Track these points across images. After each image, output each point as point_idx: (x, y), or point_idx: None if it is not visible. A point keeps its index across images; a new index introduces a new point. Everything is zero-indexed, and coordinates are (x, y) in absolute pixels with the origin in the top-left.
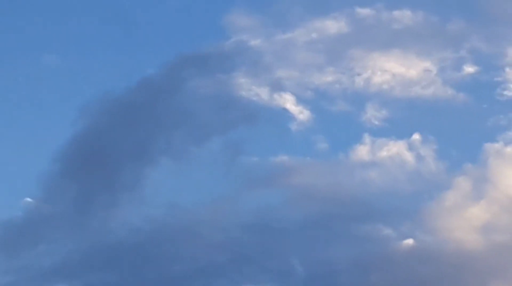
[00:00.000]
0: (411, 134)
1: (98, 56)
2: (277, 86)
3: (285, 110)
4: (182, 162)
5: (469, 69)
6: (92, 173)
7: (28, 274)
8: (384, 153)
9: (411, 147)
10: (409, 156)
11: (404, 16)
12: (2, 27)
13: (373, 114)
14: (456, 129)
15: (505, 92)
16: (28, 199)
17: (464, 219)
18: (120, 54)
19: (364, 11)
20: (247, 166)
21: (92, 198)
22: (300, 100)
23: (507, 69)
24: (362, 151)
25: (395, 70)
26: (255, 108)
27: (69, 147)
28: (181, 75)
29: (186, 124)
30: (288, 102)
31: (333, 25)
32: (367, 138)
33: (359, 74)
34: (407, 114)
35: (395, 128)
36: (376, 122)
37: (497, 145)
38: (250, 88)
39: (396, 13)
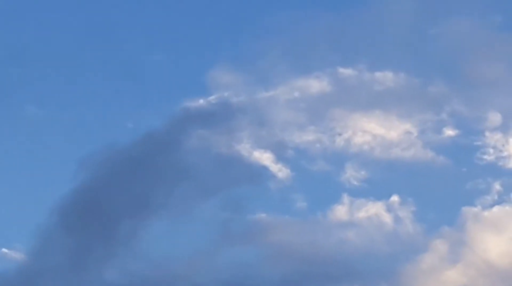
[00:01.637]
0: (389, 196)
1: (98, 110)
2: (258, 144)
3: (265, 168)
4: (176, 217)
5: (450, 132)
6: (89, 227)
7: None
8: (362, 214)
9: (389, 209)
10: (387, 218)
11: (386, 77)
12: (6, 79)
13: (352, 175)
14: (435, 192)
15: (485, 156)
16: (23, 253)
17: (441, 282)
18: (121, 107)
19: (346, 71)
20: (225, 222)
21: (88, 252)
22: (280, 158)
23: (487, 133)
24: (341, 211)
25: (376, 131)
26: (235, 165)
27: (67, 200)
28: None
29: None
30: (268, 160)
31: (315, 84)
32: (345, 198)
33: (339, 134)
34: (387, 176)
35: (374, 189)
36: (355, 183)
37: (475, 209)
38: (230, 145)
39: (378, 74)
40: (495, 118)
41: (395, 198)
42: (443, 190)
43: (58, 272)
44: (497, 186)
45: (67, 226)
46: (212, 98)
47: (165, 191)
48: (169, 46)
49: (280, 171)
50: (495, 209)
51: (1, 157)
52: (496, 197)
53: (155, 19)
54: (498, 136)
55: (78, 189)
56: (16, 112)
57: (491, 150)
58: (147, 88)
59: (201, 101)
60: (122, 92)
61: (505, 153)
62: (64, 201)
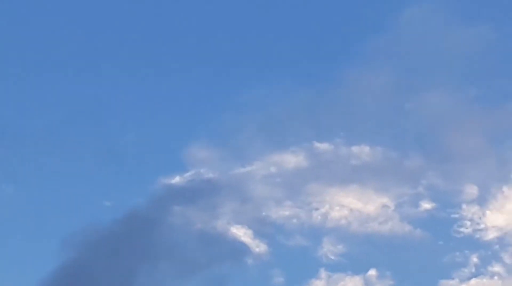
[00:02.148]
0: (367, 270)
1: (76, 189)
2: (235, 220)
3: (243, 244)
4: None
5: (426, 205)
6: None
7: None
8: None
9: (367, 283)
10: None
11: (363, 151)
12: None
13: (329, 249)
14: (413, 265)
15: (462, 229)
16: None
17: None
18: (98, 185)
19: (322, 146)
20: None
21: None
22: (258, 234)
23: (464, 206)
24: None
25: (353, 205)
26: (215, 242)
27: (51, 279)
28: None
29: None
30: (246, 236)
31: (291, 159)
32: (323, 273)
33: (316, 209)
34: (364, 250)
35: (352, 263)
36: (333, 257)
37: (452, 282)
38: (208, 221)
39: (355, 148)
40: (471, 190)
41: (372, 272)
42: (421, 263)
43: None
44: (474, 259)
45: None
46: (188, 174)
47: (147, 269)
48: (144, 123)
49: (258, 246)
50: (473, 281)
51: None
52: (473, 269)
53: (130, 97)
54: (475, 208)
55: (61, 268)
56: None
57: (468, 223)
58: (124, 166)
59: (178, 177)
60: (99, 171)
61: (482, 226)
62: (47, 280)
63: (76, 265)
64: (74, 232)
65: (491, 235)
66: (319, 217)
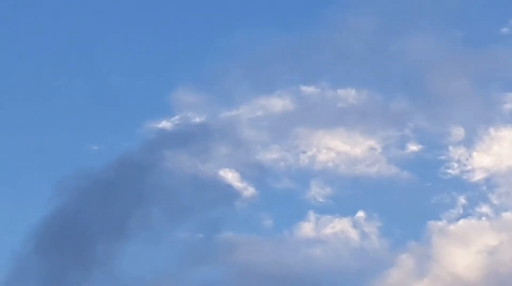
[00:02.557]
0: (355, 212)
1: (78, 133)
2: (223, 163)
3: (230, 187)
4: (147, 240)
5: (413, 147)
6: (65, 251)
7: None
8: (328, 230)
9: (355, 225)
10: (353, 233)
11: (349, 94)
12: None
13: (317, 192)
14: (400, 207)
15: (449, 171)
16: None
17: None
18: (96, 130)
19: (308, 89)
20: (192, 242)
21: (63, 276)
22: (245, 177)
23: (451, 148)
24: (307, 228)
25: (340, 148)
26: (202, 185)
27: (42, 225)
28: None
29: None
30: (233, 178)
31: (278, 103)
32: (311, 215)
33: (304, 152)
34: (352, 192)
35: (340, 206)
36: (321, 200)
37: (440, 223)
38: (195, 165)
39: (341, 91)
40: (458, 132)
41: (360, 214)
42: (409, 205)
43: None
44: (462, 200)
45: (42, 251)
46: (175, 118)
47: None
48: (131, 67)
49: (246, 190)
50: (461, 222)
51: None
52: (461, 210)
53: (117, 41)
54: (461, 150)
55: (53, 214)
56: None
57: (455, 164)
58: (110, 110)
59: (164, 121)
60: (85, 115)
61: (469, 167)
62: (39, 226)
63: (67, 211)
64: (65, 177)
65: (478, 176)
66: (307, 160)
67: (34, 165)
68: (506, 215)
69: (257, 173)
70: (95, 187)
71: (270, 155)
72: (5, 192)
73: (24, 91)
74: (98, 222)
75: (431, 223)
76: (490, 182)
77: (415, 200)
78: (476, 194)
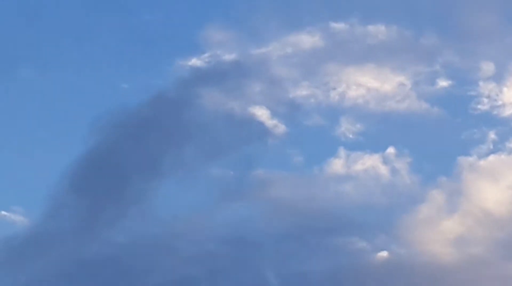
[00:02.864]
0: (385, 148)
1: (109, 72)
2: (253, 100)
3: (261, 124)
4: (181, 177)
5: (443, 83)
6: (99, 189)
7: None
8: (358, 167)
9: (385, 161)
10: (383, 170)
11: (379, 31)
12: (20, 42)
13: (347, 128)
14: (430, 143)
15: (479, 106)
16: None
17: (438, 232)
18: (127, 68)
19: (338, 26)
20: (222, 179)
21: (98, 214)
22: (275, 114)
23: (481, 83)
24: (337, 165)
25: (370, 84)
26: (233, 121)
27: (78, 163)
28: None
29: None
30: (264, 116)
31: (307, 40)
32: (342, 151)
33: (333, 89)
34: (382, 128)
35: (370, 142)
36: (351, 136)
37: (470, 159)
38: (227, 102)
39: (371, 27)
40: (488, 67)
41: (391, 150)
42: (439, 141)
43: (69, 235)
44: (492, 135)
45: (78, 190)
46: (205, 56)
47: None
48: (161, 5)
49: (276, 126)
50: (491, 158)
51: (12, 122)
52: (491, 146)
53: None
54: (491, 85)
55: (89, 153)
56: (24, 76)
57: (485, 100)
58: (141, 48)
59: (195, 59)
60: (117, 53)
61: (499, 102)
62: (75, 164)
63: (103, 149)
64: (100, 116)
65: (508, 111)
66: (337, 96)
67: (69, 104)
68: None
69: (288, 110)
70: (130, 125)
71: (300, 92)
72: (41, 131)
73: (57, 32)
74: (133, 160)
75: (461, 159)
76: None
77: (445, 136)
78: (506, 129)
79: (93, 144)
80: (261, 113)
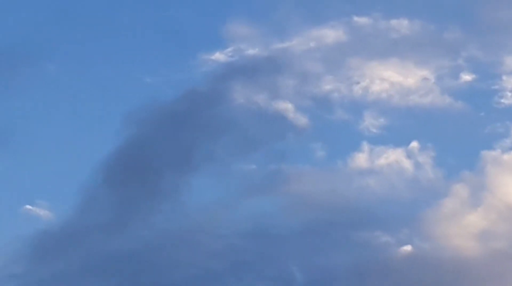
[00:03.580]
0: (409, 142)
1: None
2: (275, 94)
3: (284, 118)
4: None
5: (467, 77)
6: (133, 183)
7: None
8: (382, 161)
9: (409, 155)
10: (407, 164)
11: (402, 25)
12: (48, 37)
13: (371, 122)
14: (454, 137)
15: (502, 100)
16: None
17: (462, 226)
18: (154, 62)
19: (361, 20)
20: (246, 173)
21: (131, 208)
22: (298, 108)
23: (504, 77)
24: (361, 159)
25: (393, 78)
26: (255, 115)
27: (111, 157)
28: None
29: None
30: (287, 110)
31: (331, 34)
32: (365, 146)
33: (357, 83)
34: (405, 122)
35: (393, 136)
36: (374, 130)
37: (494, 153)
38: (248, 96)
39: (394, 22)
40: (511, 61)
41: (414, 144)
42: (462, 135)
43: (102, 229)
44: None
45: (111, 184)
46: (228, 50)
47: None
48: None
49: (299, 120)
50: None
51: (46, 116)
52: None
53: None
54: None
55: (121, 147)
56: (55, 72)
57: (509, 94)
58: (162, 43)
59: (218, 53)
60: (142, 48)
61: None
62: (108, 159)
63: (135, 144)
64: (133, 110)
65: None
66: (360, 91)
67: (102, 98)
68: None
69: (311, 104)
70: (164, 119)
71: (324, 87)
72: (75, 126)
73: (87, 27)
74: (166, 154)
75: (485, 153)
76: None
77: (468, 130)
78: None
79: (126, 138)
80: (285, 107)
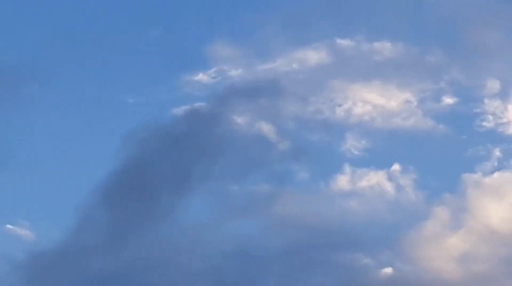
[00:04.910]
0: (391, 164)
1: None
2: (257, 115)
3: (265, 139)
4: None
5: (449, 100)
6: (130, 203)
7: None
8: (364, 183)
9: (390, 177)
10: (388, 186)
11: (384, 47)
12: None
13: (353, 145)
14: (436, 160)
15: (484, 123)
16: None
17: (443, 248)
18: (137, 83)
19: (344, 42)
20: (227, 194)
21: (129, 227)
22: (280, 130)
23: (486, 101)
24: (342, 181)
25: (376, 101)
26: (235, 137)
27: (109, 178)
28: None
29: None
30: (269, 131)
31: (314, 56)
32: (347, 168)
33: (339, 105)
34: (387, 145)
35: (375, 158)
36: (357, 152)
37: (475, 176)
38: (230, 117)
39: (376, 44)
40: (493, 85)
41: (396, 166)
42: (444, 158)
43: (99, 249)
44: (497, 153)
45: (109, 204)
46: (211, 71)
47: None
48: (166, 20)
49: (281, 142)
50: (496, 175)
51: (45, 135)
52: (496, 163)
53: None
54: (497, 103)
55: (120, 167)
56: (59, 91)
57: (491, 117)
58: (145, 63)
59: (201, 74)
60: (124, 68)
61: (504, 120)
62: (106, 179)
63: (134, 164)
64: (132, 131)
65: None
66: (342, 113)
67: (101, 118)
68: None
69: (293, 126)
70: (162, 140)
71: (306, 108)
72: (73, 146)
73: (84, 47)
74: (164, 174)
75: (466, 176)
76: None
77: (450, 153)
78: (511, 146)
79: (125, 158)
80: (266, 129)
